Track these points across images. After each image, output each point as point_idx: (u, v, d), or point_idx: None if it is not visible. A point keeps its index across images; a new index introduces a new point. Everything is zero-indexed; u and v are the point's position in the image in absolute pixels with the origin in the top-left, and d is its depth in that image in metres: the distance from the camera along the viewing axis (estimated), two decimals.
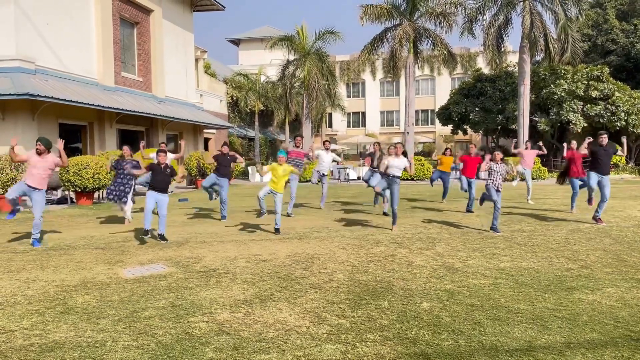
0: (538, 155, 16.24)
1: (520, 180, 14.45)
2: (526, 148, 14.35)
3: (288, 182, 11.28)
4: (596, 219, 10.07)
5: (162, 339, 4.30)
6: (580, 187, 11.76)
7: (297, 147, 12.07)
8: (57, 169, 8.59)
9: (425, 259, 7.17)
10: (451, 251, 7.68)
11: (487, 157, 12.25)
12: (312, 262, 7.00)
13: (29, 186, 8.37)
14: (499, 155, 9.29)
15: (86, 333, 4.46)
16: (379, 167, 11.58)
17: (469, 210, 12.30)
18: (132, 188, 10.77)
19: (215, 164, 11.34)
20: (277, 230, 9.52)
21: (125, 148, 11.01)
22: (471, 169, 12.54)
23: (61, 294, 5.66)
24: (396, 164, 9.55)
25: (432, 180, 14.61)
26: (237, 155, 11.69)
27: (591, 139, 10.33)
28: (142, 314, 4.95)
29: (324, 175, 12.82)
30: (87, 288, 5.89)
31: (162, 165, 8.88)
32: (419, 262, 6.93)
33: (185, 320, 4.75)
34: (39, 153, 8.36)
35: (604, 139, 10.01)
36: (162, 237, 8.78)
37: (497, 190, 9.24)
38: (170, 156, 11.37)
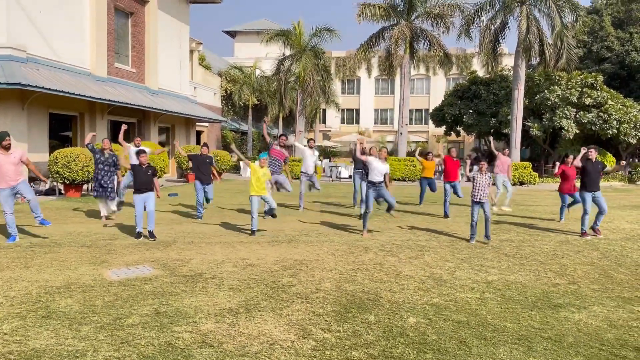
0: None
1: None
2: (504, 154, 14.29)
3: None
4: (595, 229, 10.16)
5: (144, 349, 4.24)
6: (570, 204, 11.78)
7: (281, 146, 11.75)
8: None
9: (414, 268, 7.15)
10: (439, 261, 7.66)
11: (468, 161, 12.36)
12: (300, 269, 6.95)
13: (11, 186, 8.18)
14: (484, 165, 9.27)
15: (67, 341, 4.39)
16: (356, 158, 11.45)
17: (446, 215, 12.35)
18: (116, 182, 10.72)
19: (191, 165, 11.29)
20: (273, 215, 9.95)
21: (106, 141, 10.75)
22: (453, 173, 12.57)
23: (44, 296, 5.58)
24: (380, 169, 9.42)
25: (421, 196, 14.31)
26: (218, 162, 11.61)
27: (587, 151, 10.23)
28: (125, 320, 4.89)
29: (310, 174, 12.74)
30: (70, 290, 5.81)
31: (144, 166, 8.84)
32: (407, 272, 6.91)
33: (168, 329, 4.69)
34: (8, 148, 8.13)
35: (592, 154, 10.03)
36: (151, 235, 8.75)
37: (478, 202, 9.19)
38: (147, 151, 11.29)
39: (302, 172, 12.84)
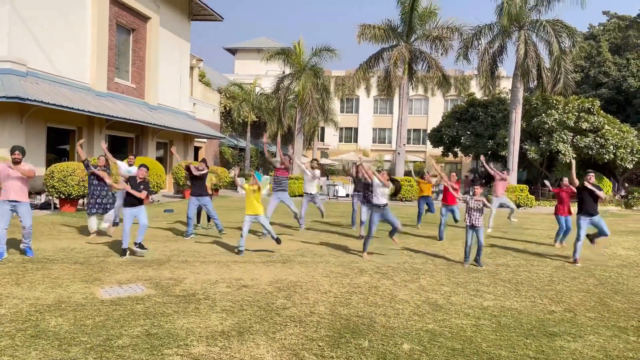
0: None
1: (500, 207, 14.45)
2: (501, 179, 14.25)
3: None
4: (592, 240, 10.34)
5: None
6: (564, 234, 11.81)
7: (283, 168, 11.64)
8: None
9: (409, 292, 7.09)
10: (435, 285, 7.61)
11: (453, 179, 12.42)
12: (294, 291, 6.89)
13: (11, 201, 8.14)
14: (478, 190, 9.27)
15: None
16: (358, 181, 11.43)
17: (440, 238, 12.25)
18: (113, 199, 10.68)
19: (189, 180, 11.25)
20: (277, 240, 9.73)
21: (102, 158, 10.72)
22: (451, 197, 12.54)
23: (34, 315, 5.51)
24: (382, 191, 9.46)
25: (419, 216, 14.23)
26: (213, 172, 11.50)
27: (591, 176, 10.15)
28: (115, 342, 4.82)
29: (312, 194, 12.61)
30: (61, 309, 5.74)
31: (139, 180, 8.81)
32: (402, 297, 6.85)
33: (159, 352, 4.62)
34: (17, 162, 8.10)
35: (591, 178, 10.02)
36: (141, 246, 8.72)
37: (473, 227, 9.18)
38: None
39: (305, 192, 12.69)
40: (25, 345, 4.65)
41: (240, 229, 9.83)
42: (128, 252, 8.70)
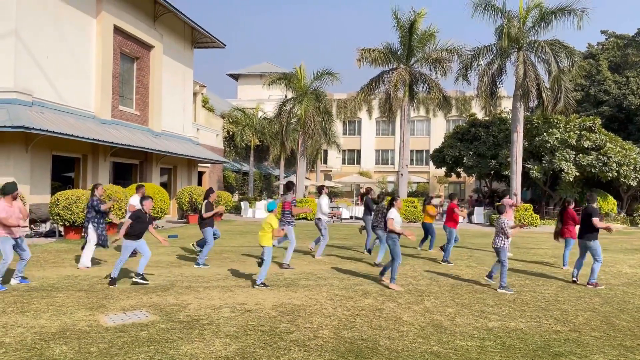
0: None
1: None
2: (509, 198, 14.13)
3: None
4: (574, 276, 9.91)
5: None
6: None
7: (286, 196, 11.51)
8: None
9: (413, 314, 7.07)
10: (440, 306, 7.59)
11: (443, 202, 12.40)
12: (298, 315, 6.89)
13: (15, 238, 8.21)
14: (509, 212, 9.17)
15: None
16: (379, 221, 11.14)
17: (445, 261, 12.05)
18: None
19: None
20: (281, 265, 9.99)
21: (100, 188, 10.65)
22: (454, 219, 12.48)
23: (39, 343, 5.52)
24: (399, 220, 9.19)
25: (431, 241, 14.07)
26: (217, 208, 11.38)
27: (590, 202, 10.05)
28: None
29: (320, 220, 12.50)
30: (65, 337, 5.75)
31: (146, 213, 8.84)
32: (406, 319, 6.83)
33: None
34: (16, 198, 8.19)
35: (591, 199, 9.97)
36: (142, 278, 8.72)
37: (496, 248, 9.09)
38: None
39: (317, 218, 12.55)
40: None
41: (248, 255, 9.82)
42: (115, 283, 8.58)
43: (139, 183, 13.01)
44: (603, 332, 6.44)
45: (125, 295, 7.81)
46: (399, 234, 8.99)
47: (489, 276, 9.38)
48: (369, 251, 13.20)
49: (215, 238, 11.15)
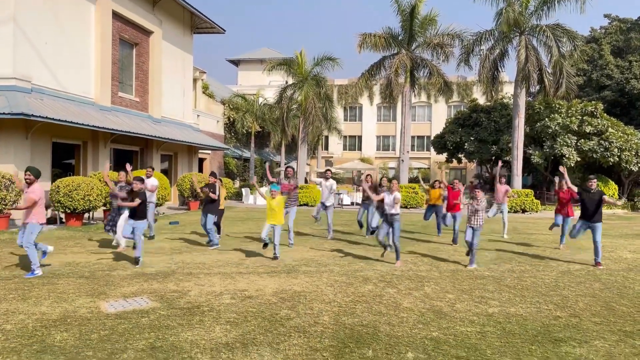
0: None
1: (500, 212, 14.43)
2: (500, 183, 14.28)
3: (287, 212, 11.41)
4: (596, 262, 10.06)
5: None
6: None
7: (288, 177, 12.01)
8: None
9: (413, 300, 7.09)
10: (440, 292, 7.60)
11: (457, 185, 12.53)
12: (299, 301, 6.90)
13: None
14: (479, 193, 9.42)
15: None
16: (368, 197, 11.66)
17: (454, 241, 12.55)
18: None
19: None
20: (274, 257, 9.97)
21: (122, 174, 11.02)
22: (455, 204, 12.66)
23: (40, 330, 5.55)
24: (389, 202, 9.58)
25: (425, 218, 14.41)
26: (215, 185, 11.57)
27: (592, 182, 10.09)
28: (120, 356, 4.84)
29: (327, 206, 12.95)
30: (67, 324, 5.77)
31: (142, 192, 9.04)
32: (406, 305, 6.84)
33: None
34: (29, 183, 8.17)
35: (593, 184, 9.97)
36: (136, 261, 9.07)
37: (471, 228, 9.52)
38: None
39: (323, 203, 13.11)
40: None
41: (248, 241, 9.94)
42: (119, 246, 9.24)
43: (149, 167, 13.23)
44: (603, 318, 6.45)
45: (126, 282, 7.83)
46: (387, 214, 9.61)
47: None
48: (372, 232, 13.21)
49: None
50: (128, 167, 11.32)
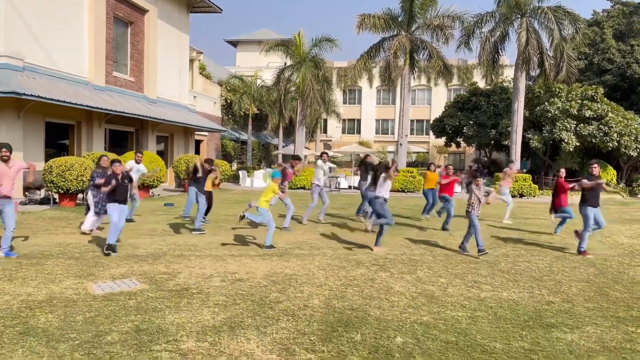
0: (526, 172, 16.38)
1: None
2: (510, 168, 14.45)
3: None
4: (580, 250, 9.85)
5: None
6: (561, 222, 11.89)
7: (293, 167, 12.13)
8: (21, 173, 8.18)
9: (405, 284, 7.01)
10: (432, 276, 7.52)
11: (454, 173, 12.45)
12: (289, 284, 6.82)
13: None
14: (479, 181, 9.30)
15: (42, 359, 4.27)
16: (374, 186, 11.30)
17: (444, 229, 12.23)
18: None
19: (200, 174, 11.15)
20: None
21: (104, 159, 10.57)
22: (449, 188, 12.64)
23: (24, 311, 5.46)
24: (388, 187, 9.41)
25: (427, 207, 14.24)
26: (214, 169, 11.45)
27: (594, 167, 9.91)
28: (104, 338, 4.76)
29: (323, 187, 12.86)
30: (52, 305, 5.68)
31: (119, 176, 8.67)
32: (398, 289, 6.77)
33: (148, 348, 4.56)
34: (5, 160, 8.01)
35: (594, 169, 9.81)
36: (109, 248, 8.35)
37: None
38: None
39: (313, 183, 12.81)
40: (13, 342, 4.60)
41: (243, 224, 9.77)
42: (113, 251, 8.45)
43: (138, 149, 13.02)
44: (596, 303, 6.38)
45: (115, 264, 7.74)
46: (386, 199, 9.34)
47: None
48: (366, 214, 13.11)
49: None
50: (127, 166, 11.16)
